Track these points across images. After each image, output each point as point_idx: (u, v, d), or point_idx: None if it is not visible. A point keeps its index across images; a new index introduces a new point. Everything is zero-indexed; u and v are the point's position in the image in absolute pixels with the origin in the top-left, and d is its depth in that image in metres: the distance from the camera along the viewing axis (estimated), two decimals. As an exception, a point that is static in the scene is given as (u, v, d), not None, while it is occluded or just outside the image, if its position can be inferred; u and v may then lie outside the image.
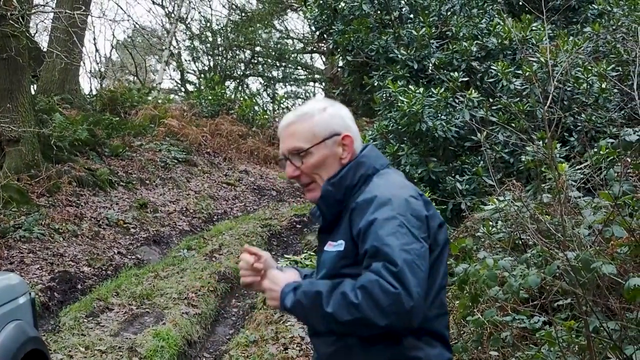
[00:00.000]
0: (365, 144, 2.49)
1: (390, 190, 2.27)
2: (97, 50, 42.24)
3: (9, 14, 10.64)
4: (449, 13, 10.14)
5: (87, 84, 44.20)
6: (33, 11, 13.29)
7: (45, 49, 17.56)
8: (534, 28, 9.06)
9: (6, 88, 11.54)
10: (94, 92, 22.34)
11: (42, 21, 22.60)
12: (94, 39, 39.71)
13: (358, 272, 2.16)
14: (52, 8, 15.50)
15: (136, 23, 31.94)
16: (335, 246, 2.32)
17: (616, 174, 3.99)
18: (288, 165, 2.46)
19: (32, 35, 17.35)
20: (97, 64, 29.27)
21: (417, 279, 2.08)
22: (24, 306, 4.59)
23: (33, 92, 14.61)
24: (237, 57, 27.43)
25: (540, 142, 6.37)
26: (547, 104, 4.40)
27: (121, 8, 44.65)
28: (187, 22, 27.99)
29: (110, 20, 28.00)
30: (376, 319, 2.05)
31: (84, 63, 24.00)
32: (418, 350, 2.25)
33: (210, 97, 21.28)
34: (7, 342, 4.09)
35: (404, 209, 2.21)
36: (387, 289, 2.04)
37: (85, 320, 7.51)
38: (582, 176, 5.23)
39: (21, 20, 10.92)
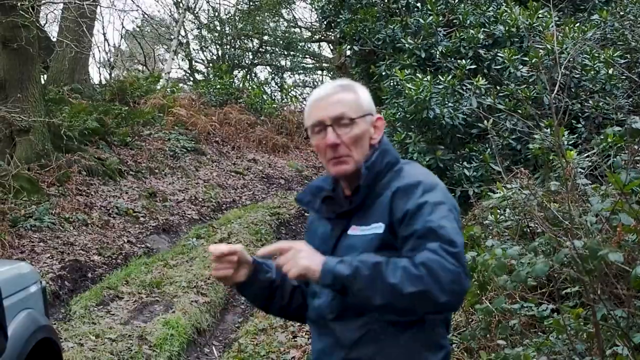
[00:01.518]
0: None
1: (431, 178, 2.29)
2: (106, 40, 42.33)
3: (19, 4, 10.68)
4: (456, 1, 10.10)
5: (96, 74, 44.16)
6: (43, 1, 13.32)
7: (55, 39, 17.60)
8: (540, 15, 9.03)
9: (16, 78, 11.58)
10: (104, 82, 22.37)
11: (52, 11, 22.60)
12: (103, 28, 39.86)
13: (390, 256, 2.11)
14: (62, -2, 15.52)
15: (145, 13, 31.76)
16: (370, 229, 2.26)
17: (623, 162, 3.99)
18: (330, 132, 2.33)
19: (42, 25, 17.40)
20: (107, 53, 29.25)
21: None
22: (35, 295, 4.62)
23: (43, 82, 14.63)
24: (245, 46, 27.42)
25: (548, 130, 6.37)
26: (555, 91, 4.40)
27: (130, -2, 44.62)
28: (195, 12, 27.98)
29: (119, 10, 27.97)
30: (438, 294, 2.01)
31: (93, 53, 24.00)
32: (444, 338, 2.27)
33: (218, 86, 21.29)
34: (19, 330, 4.12)
35: (449, 197, 2.23)
36: (447, 267, 2.02)
37: (95, 308, 7.56)
38: (589, 164, 5.23)
39: (31, 10, 10.95)
